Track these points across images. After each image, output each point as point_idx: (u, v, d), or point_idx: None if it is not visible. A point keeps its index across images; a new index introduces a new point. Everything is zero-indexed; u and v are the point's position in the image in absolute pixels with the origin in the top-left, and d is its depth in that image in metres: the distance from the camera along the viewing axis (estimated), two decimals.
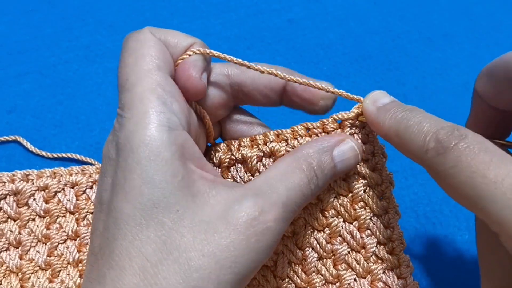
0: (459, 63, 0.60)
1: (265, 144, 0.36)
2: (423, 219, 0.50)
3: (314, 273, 0.37)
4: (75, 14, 0.63)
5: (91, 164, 0.50)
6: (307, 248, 0.37)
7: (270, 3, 0.65)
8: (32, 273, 0.38)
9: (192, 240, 0.28)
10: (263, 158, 0.37)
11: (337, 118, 0.36)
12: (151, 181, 0.28)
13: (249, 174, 0.37)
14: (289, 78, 0.35)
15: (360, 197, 0.37)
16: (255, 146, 0.37)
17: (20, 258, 0.38)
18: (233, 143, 0.38)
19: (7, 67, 0.59)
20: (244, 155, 0.36)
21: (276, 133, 0.36)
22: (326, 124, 0.36)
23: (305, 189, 0.32)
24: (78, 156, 0.50)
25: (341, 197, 0.37)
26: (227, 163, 0.37)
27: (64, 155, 0.51)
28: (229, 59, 0.34)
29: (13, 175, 0.39)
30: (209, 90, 0.36)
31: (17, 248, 0.38)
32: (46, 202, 0.39)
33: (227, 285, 0.28)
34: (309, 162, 0.33)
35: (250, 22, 0.63)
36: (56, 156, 0.51)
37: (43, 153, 0.51)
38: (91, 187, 0.39)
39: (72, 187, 0.39)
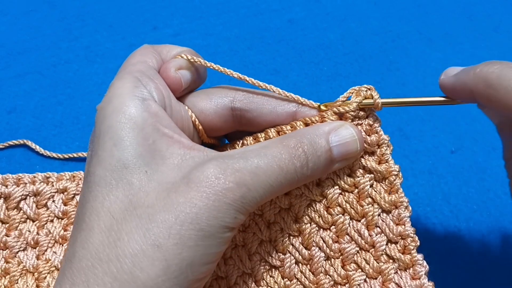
0: (459, 63, 0.60)
1: (266, 140, 0.36)
2: (423, 219, 0.50)
3: (322, 274, 0.36)
4: (75, 14, 0.63)
5: None
6: (313, 248, 0.37)
7: (270, 3, 0.65)
8: (48, 273, 0.38)
9: (155, 198, 0.29)
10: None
11: (338, 112, 0.35)
12: (122, 143, 0.29)
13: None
14: (302, 102, 0.36)
15: (367, 193, 0.35)
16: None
17: (37, 258, 0.39)
18: (238, 142, 0.38)
19: (7, 67, 0.59)
20: None
21: (277, 130, 0.36)
22: (325, 118, 0.35)
23: (283, 164, 0.31)
24: (85, 154, 0.50)
25: (347, 193, 0.36)
26: None
27: (75, 155, 0.52)
28: (213, 67, 0.37)
29: (34, 176, 0.40)
30: (205, 106, 0.37)
31: (35, 248, 0.39)
32: (65, 204, 0.39)
33: (189, 240, 0.28)
34: (298, 140, 0.33)
35: (250, 22, 0.63)
36: (66, 156, 0.51)
37: (54, 155, 0.51)
38: None
39: None
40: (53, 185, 0.39)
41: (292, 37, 0.62)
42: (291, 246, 0.37)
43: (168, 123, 0.32)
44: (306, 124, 0.36)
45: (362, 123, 0.35)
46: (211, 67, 0.37)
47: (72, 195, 0.39)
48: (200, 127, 0.37)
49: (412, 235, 0.35)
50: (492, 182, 0.52)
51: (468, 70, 0.34)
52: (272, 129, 0.36)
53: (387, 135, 0.35)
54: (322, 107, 0.36)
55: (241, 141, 0.37)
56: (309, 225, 0.37)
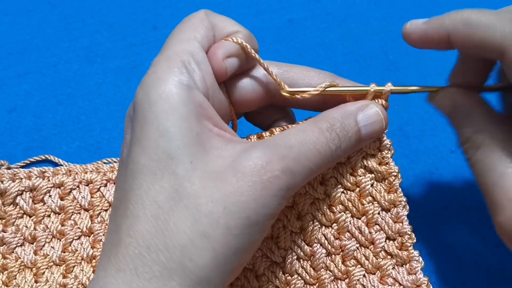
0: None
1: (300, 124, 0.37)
2: (423, 219, 0.50)
3: (322, 269, 0.37)
4: (75, 14, 0.63)
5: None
6: (315, 244, 0.38)
7: (271, 3, 0.65)
8: (46, 268, 0.38)
9: (201, 188, 0.29)
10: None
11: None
12: (167, 134, 0.29)
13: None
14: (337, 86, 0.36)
15: (367, 192, 0.37)
16: None
17: (35, 253, 0.39)
18: (251, 137, 0.38)
19: (7, 67, 0.59)
20: None
21: (282, 128, 0.37)
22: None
23: (321, 147, 0.32)
24: (109, 159, 0.49)
25: (349, 192, 0.37)
26: None
27: (100, 163, 0.49)
28: (261, 63, 0.35)
29: (30, 171, 0.39)
30: (243, 83, 0.37)
31: (32, 243, 0.39)
32: (62, 199, 0.39)
33: (236, 229, 0.28)
34: (331, 123, 0.33)
35: (250, 22, 0.63)
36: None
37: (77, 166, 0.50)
38: (105, 185, 0.40)
39: (87, 185, 0.40)
40: (49, 180, 0.39)
41: (292, 37, 0.62)
42: (293, 243, 0.38)
43: (210, 114, 0.32)
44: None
45: None
46: (260, 64, 0.36)
47: (69, 190, 0.39)
48: (233, 111, 0.37)
49: (409, 232, 0.37)
50: None
51: (442, 16, 0.35)
52: (277, 129, 0.37)
53: (389, 139, 0.37)
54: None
55: (244, 139, 0.38)
56: (311, 222, 0.38)
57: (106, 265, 0.29)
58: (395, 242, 0.37)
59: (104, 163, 0.47)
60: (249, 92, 0.37)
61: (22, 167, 0.49)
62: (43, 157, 0.50)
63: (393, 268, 0.37)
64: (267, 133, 0.37)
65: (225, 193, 0.29)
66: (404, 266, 0.37)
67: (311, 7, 0.64)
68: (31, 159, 0.50)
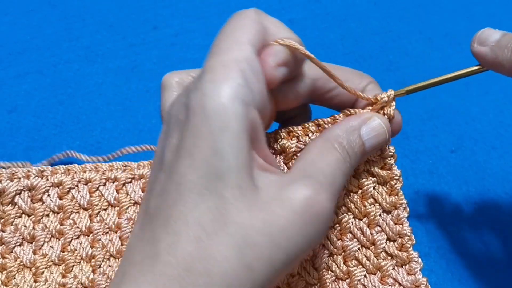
0: (460, 63, 0.60)
1: (276, 141, 0.37)
2: (424, 218, 0.50)
3: (324, 270, 0.38)
4: (75, 14, 0.63)
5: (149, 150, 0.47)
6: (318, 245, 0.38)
7: (271, 3, 0.65)
8: (45, 268, 0.38)
9: (248, 217, 0.27)
10: (274, 156, 0.37)
11: (349, 114, 0.36)
12: (221, 153, 0.27)
13: (302, 155, 0.37)
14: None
15: (369, 194, 0.37)
16: (294, 137, 0.37)
17: (34, 253, 0.38)
18: (281, 132, 0.38)
19: (7, 67, 0.59)
20: (284, 145, 0.37)
21: (287, 130, 0.37)
22: (337, 119, 0.36)
23: (343, 168, 0.32)
24: (133, 148, 0.47)
25: (351, 194, 0.38)
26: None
27: (119, 153, 0.48)
28: (316, 62, 0.34)
29: (28, 171, 0.39)
30: (289, 87, 0.35)
31: (31, 243, 0.39)
32: (60, 198, 0.39)
33: (278, 263, 0.28)
34: (339, 142, 0.33)
35: None
36: (110, 157, 0.49)
37: (99, 158, 0.49)
38: (104, 184, 0.40)
39: (86, 184, 0.40)
40: (47, 179, 0.39)
41: None
42: None
43: (259, 133, 0.30)
44: (318, 125, 0.37)
45: None
46: (317, 64, 0.35)
47: (68, 189, 0.39)
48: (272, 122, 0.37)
49: (409, 234, 0.37)
50: (492, 182, 0.52)
51: (502, 48, 0.35)
52: (283, 130, 0.37)
53: (392, 146, 0.37)
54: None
55: (273, 134, 0.37)
56: None
57: (140, 279, 0.27)
58: (396, 243, 0.38)
59: (105, 161, 0.47)
60: (293, 95, 0.35)
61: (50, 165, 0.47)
62: (64, 154, 0.49)
63: (393, 268, 0.38)
64: (272, 135, 0.37)
65: (273, 226, 0.28)
66: (404, 266, 0.38)
67: (311, 7, 0.64)
68: (55, 157, 0.49)
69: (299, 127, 0.37)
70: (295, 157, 0.37)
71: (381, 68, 0.59)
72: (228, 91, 0.28)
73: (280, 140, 0.37)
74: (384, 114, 0.36)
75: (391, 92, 0.37)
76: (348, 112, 0.36)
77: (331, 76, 0.34)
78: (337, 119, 0.36)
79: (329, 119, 0.36)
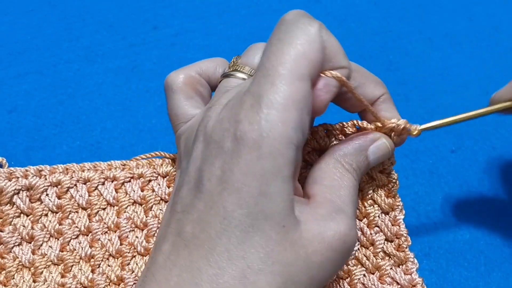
0: (460, 63, 0.60)
1: (315, 139, 0.37)
2: (424, 218, 0.50)
3: None
4: (75, 14, 0.63)
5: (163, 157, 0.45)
6: None
7: (271, 3, 0.65)
8: (44, 268, 0.38)
9: (294, 257, 0.28)
10: (311, 152, 0.38)
11: (357, 124, 0.37)
12: (270, 196, 0.28)
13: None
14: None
15: (369, 196, 0.38)
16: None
17: (33, 253, 0.38)
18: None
19: (7, 67, 0.59)
20: None
21: (325, 127, 0.38)
22: (345, 127, 0.37)
23: (356, 190, 0.33)
24: (158, 153, 0.45)
25: None
26: None
27: (147, 155, 0.45)
28: (361, 100, 0.34)
29: (26, 170, 0.39)
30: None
31: (30, 243, 0.38)
32: (59, 197, 0.39)
33: None
34: (350, 163, 0.34)
35: (251, 22, 0.63)
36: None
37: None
38: (103, 183, 0.40)
39: (85, 183, 0.39)
40: (46, 178, 0.39)
41: None
42: None
43: (297, 172, 0.31)
44: (326, 129, 0.38)
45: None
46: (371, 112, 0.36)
47: (66, 189, 0.39)
48: None
49: (405, 235, 0.38)
50: (492, 182, 0.52)
51: None
52: (320, 128, 0.37)
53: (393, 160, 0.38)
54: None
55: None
56: None
57: None
58: (393, 243, 0.39)
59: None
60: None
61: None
62: (158, 154, 0.46)
63: (391, 268, 0.38)
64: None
65: (313, 264, 0.29)
66: (401, 266, 0.39)
67: (311, 7, 0.64)
68: (145, 155, 0.46)
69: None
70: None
71: (381, 68, 0.59)
72: (284, 134, 0.27)
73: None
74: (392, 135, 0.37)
75: (409, 126, 0.38)
76: (356, 123, 0.36)
77: (364, 105, 0.35)
78: (345, 128, 0.37)
79: (337, 126, 0.37)
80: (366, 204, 0.38)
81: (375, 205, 0.39)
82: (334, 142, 0.37)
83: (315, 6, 0.65)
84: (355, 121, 0.37)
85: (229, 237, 0.27)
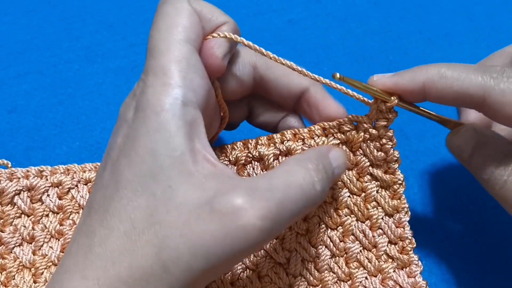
0: (459, 63, 0.60)
1: (282, 142, 0.37)
2: (423, 219, 0.50)
3: (326, 271, 0.38)
4: (75, 14, 0.63)
5: None
6: (320, 246, 0.39)
7: (271, 3, 0.65)
8: (45, 268, 0.38)
9: (174, 219, 0.28)
10: (280, 156, 0.38)
11: (353, 120, 0.37)
12: (154, 152, 0.29)
13: (265, 171, 0.38)
14: (317, 78, 0.36)
15: (372, 197, 0.38)
16: (272, 145, 0.37)
17: (33, 253, 0.38)
18: (251, 141, 0.38)
19: (7, 67, 0.59)
20: (261, 152, 0.37)
21: (293, 132, 0.37)
22: (342, 124, 0.37)
23: (307, 189, 0.31)
24: None
25: (355, 197, 0.38)
26: (243, 161, 0.38)
27: None
28: (258, 50, 0.35)
29: (27, 171, 0.39)
30: (231, 74, 0.37)
31: (31, 243, 0.38)
32: (60, 198, 0.39)
33: (197, 271, 0.28)
34: (315, 163, 0.32)
35: (251, 23, 0.63)
36: None
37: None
38: None
39: (86, 184, 0.39)
40: (47, 179, 0.39)
41: (292, 38, 0.62)
42: (298, 244, 0.38)
43: (200, 133, 0.31)
44: (324, 129, 0.38)
45: (373, 140, 0.38)
46: (260, 52, 0.36)
47: (67, 189, 0.39)
48: (226, 108, 0.37)
49: (410, 237, 0.38)
50: None
51: (412, 70, 0.36)
52: (289, 132, 0.38)
53: (397, 151, 0.38)
54: (337, 77, 0.35)
55: (254, 140, 0.38)
56: (318, 225, 0.39)
57: (73, 269, 0.29)
58: (397, 246, 0.38)
59: None
60: (236, 83, 0.37)
61: None
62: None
63: (394, 271, 0.38)
64: (278, 136, 0.37)
65: (196, 232, 0.28)
66: (404, 269, 0.38)
67: (311, 7, 0.64)
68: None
69: (305, 129, 0.37)
70: (277, 163, 0.37)
71: (381, 68, 0.59)
72: (167, 94, 0.30)
73: (260, 146, 0.38)
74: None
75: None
76: (323, 125, 0.37)
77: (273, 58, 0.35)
78: (342, 124, 0.37)
79: (334, 123, 0.37)
80: (369, 206, 0.38)
81: (379, 207, 0.38)
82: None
83: (315, 6, 0.65)
84: (351, 116, 0.37)
85: (120, 199, 0.29)
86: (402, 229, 0.38)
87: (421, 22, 0.63)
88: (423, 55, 0.61)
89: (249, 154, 0.38)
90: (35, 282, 0.38)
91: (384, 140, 0.37)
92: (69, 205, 0.39)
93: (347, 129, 0.37)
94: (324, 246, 0.39)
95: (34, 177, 0.39)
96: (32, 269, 0.38)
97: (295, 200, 0.30)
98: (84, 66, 0.59)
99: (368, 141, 0.37)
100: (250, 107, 0.41)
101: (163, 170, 0.29)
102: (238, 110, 0.41)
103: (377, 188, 0.38)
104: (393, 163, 0.38)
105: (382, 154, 0.38)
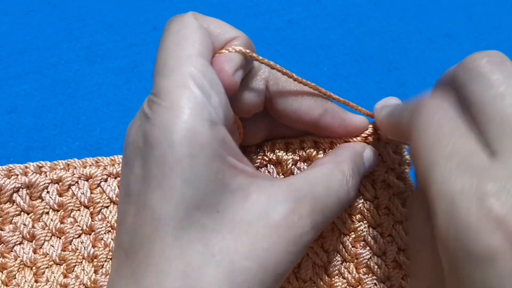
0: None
1: (302, 149, 0.37)
2: None
3: (337, 276, 0.38)
4: (75, 14, 0.63)
5: None
6: (332, 251, 0.39)
7: (271, 3, 0.65)
8: (46, 267, 0.37)
9: (233, 242, 0.26)
10: (298, 162, 0.37)
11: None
12: (194, 181, 0.26)
13: (282, 176, 0.38)
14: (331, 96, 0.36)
15: (384, 204, 0.38)
16: (290, 150, 0.37)
17: (34, 252, 0.37)
18: (266, 144, 0.38)
19: (7, 67, 0.59)
20: (280, 157, 0.37)
21: (314, 139, 0.37)
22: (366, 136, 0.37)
23: (343, 196, 0.31)
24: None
25: (368, 203, 0.38)
26: (258, 164, 0.38)
27: None
28: (271, 65, 0.33)
29: (26, 167, 0.38)
30: (245, 92, 0.34)
31: (31, 242, 0.37)
32: (60, 195, 0.38)
33: (269, 284, 0.27)
34: (351, 166, 0.32)
35: (250, 23, 0.63)
36: None
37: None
38: (106, 180, 0.38)
39: (86, 180, 0.38)
40: (46, 175, 0.38)
41: (292, 38, 0.62)
42: (310, 250, 0.39)
43: (232, 149, 0.28)
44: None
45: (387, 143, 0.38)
46: (273, 67, 0.33)
47: (67, 186, 0.38)
48: (240, 123, 0.35)
49: None
50: None
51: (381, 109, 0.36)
52: (310, 138, 0.37)
53: (409, 154, 0.38)
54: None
55: (269, 143, 0.38)
56: (332, 230, 0.39)
57: None
58: (405, 253, 0.38)
59: None
60: (249, 100, 0.34)
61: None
62: None
63: (402, 278, 0.38)
64: (297, 141, 0.37)
65: (259, 249, 0.27)
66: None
67: (311, 7, 0.64)
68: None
69: (327, 140, 0.37)
70: (295, 168, 0.37)
71: (381, 68, 0.59)
72: (191, 114, 0.26)
73: (278, 150, 0.37)
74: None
75: None
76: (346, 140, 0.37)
77: (286, 74, 0.34)
78: (334, 143, 0.37)
79: (328, 141, 0.37)
80: (380, 213, 0.38)
81: (390, 214, 0.38)
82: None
83: (315, 6, 0.64)
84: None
85: (163, 238, 0.26)
86: None
87: (421, 22, 0.63)
88: (423, 55, 0.61)
89: (264, 157, 0.37)
90: (36, 281, 0.37)
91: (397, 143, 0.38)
92: (70, 202, 0.38)
93: (371, 139, 0.37)
94: (336, 252, 0.39)
95: (33, 173, 0.37)
96: (34, 268, 0.37)
97: (332, 209, 0.30)
98: (84, 66, 0.59)
99: (386, 145, 0.38)
100: (269, 129, 0.38)
101: (208, 198, 0.26)
102: (255, 129, 0.38)
103: (389, 195, 0.38)
104: (406, 166, 0.38)
105: (397, 157, 0.38)
